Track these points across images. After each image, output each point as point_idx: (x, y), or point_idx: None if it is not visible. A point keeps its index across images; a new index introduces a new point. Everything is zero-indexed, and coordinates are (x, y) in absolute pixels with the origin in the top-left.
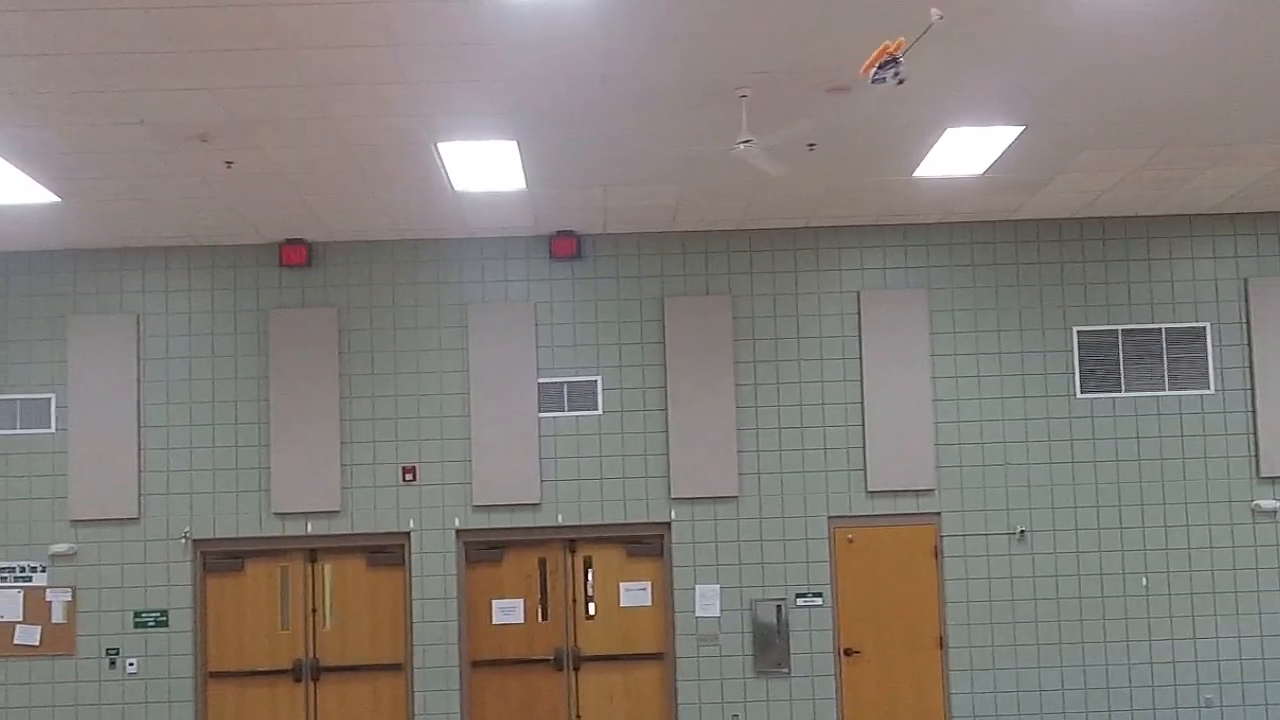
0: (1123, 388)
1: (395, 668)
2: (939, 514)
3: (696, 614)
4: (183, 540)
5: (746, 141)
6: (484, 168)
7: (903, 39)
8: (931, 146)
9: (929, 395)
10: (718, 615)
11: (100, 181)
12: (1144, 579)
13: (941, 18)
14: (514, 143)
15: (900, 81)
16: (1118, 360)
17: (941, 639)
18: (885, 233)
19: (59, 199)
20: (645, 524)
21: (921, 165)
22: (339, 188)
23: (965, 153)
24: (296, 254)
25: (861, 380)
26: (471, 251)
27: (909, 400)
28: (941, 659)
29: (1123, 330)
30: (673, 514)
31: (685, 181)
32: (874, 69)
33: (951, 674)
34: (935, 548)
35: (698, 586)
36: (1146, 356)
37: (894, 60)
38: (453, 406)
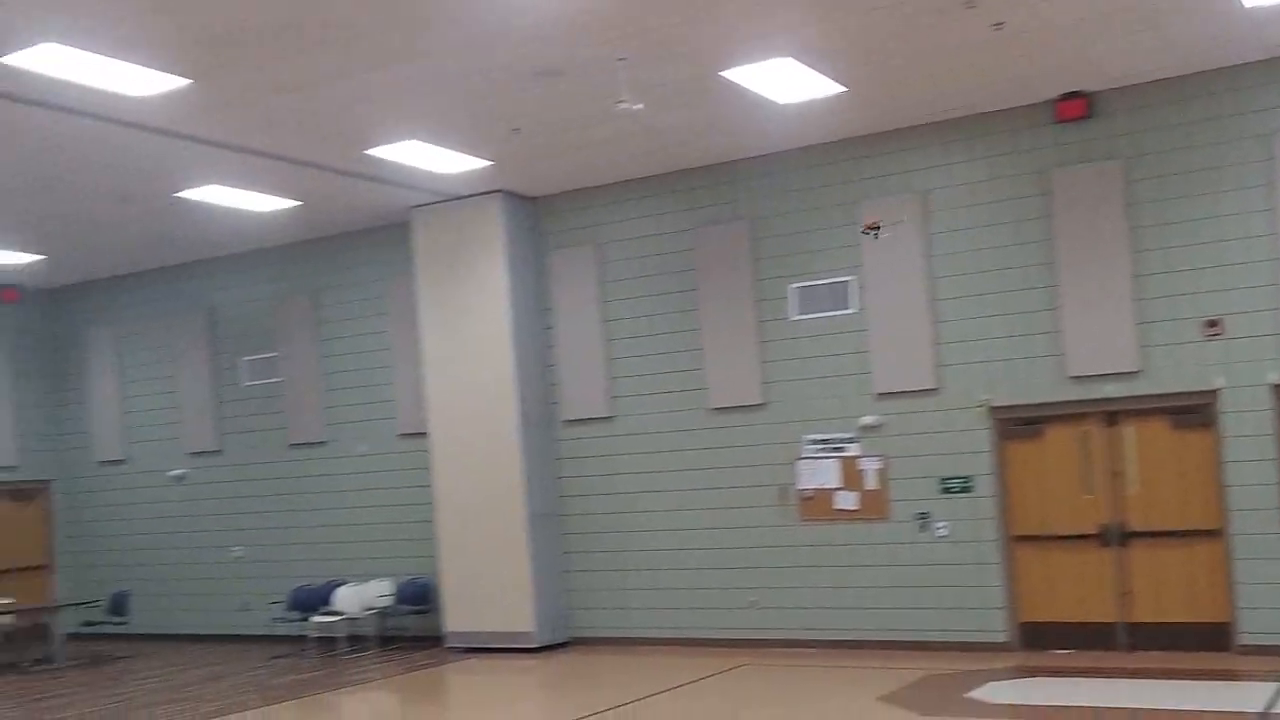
0: None
1: (1211, 534)
2: None
3: None
4: (979, 408)
5: None
6: None
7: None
8: None
9: None
10: None
11: (875, 66)
12: None
13: (906, 221)
14: None
15: (876, 238)
16: None
17: None
18: None
19: (844, 88)
20: None
21: None
22: (1115, 27)
23: None
24: (1074, 108)
25: None
26: (1272, 75)
27: None
28: None
29: None
30: None
31: None
32: (869, 230)
33: None
34: None
35: None
36: None
37: (878, 227)
38: (1258, 250)
